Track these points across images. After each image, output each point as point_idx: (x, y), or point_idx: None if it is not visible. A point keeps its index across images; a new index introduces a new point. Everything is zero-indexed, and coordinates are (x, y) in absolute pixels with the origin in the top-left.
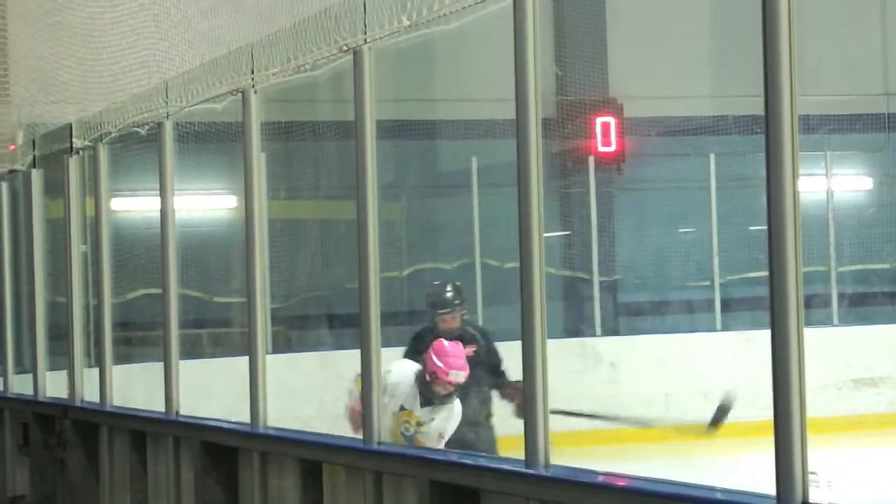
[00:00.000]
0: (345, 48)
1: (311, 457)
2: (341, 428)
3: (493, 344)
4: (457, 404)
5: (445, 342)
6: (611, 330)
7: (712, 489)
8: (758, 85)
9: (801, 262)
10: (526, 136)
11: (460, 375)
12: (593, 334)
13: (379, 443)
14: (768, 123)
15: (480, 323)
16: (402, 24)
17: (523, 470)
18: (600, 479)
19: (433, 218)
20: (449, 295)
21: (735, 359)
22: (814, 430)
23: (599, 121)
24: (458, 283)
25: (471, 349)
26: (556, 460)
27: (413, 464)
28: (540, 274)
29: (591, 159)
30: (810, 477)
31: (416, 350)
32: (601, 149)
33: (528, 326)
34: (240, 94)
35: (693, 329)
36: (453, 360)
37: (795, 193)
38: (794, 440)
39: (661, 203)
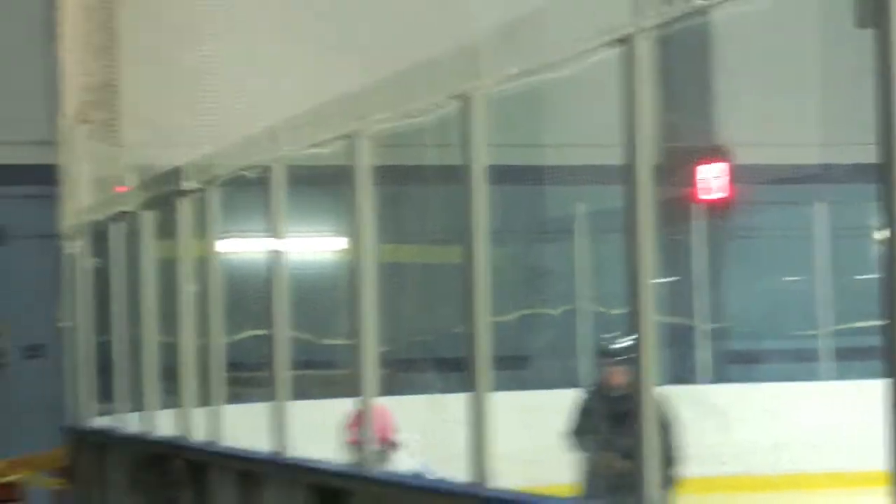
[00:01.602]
0: (454, 95)
1: (422, 501)
2: (449, 469)
3: (670, 426)
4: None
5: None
6: (719, 377)
7: None
8: (869, 132)
9: None
10: (636, 182)
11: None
12: (702, 381)
13: (488, 488)
14: (883, 171)
15: (586, 370)
16: (511, 72)
17: None
18: None
19: (540, 263)
20: (621, 344)
21: (846, 408)
22: None
23: (707, 168)
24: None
25: None
26: None
27: None
28: (650, 318)
29: (699, 206)
30: None
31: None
32: (709, 196)
33: (640, 372)
34: (348, 138)
35: (803, 378)
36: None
37: None
38: None
39: (769, 251)
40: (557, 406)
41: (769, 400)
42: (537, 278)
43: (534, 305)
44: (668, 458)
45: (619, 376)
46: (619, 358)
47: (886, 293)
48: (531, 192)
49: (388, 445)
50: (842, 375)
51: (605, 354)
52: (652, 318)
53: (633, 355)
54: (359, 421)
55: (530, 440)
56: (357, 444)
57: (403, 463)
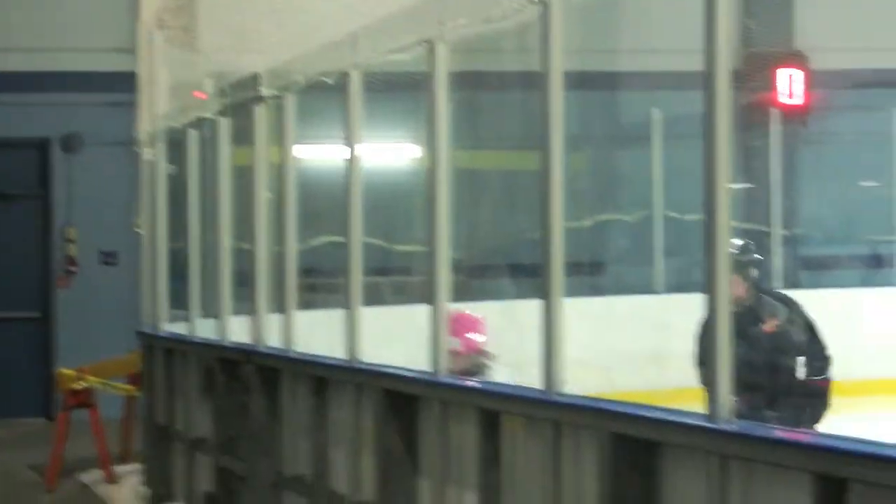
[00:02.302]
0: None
1: (490, 406)
2: (521, 376)
3: (809, 319)
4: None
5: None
6: (792, 284)
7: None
8: None
9: None
10: (714, 88)
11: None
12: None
13: (559, 394)
14: None
15: (661, 277)
16: None
17: (706, 424)
18: (782, 434)
19: (616, 169)
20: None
21: None
22: None
23: (785, 73)
24: (748, 241)
25: (770, 324)
26: None
27: (593, 415)
28: (725, 226)
29: (776, 112)
30: None
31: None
32: (786, 101)
33: (712, 278)
34: (427, 44)
35: (877, 284)
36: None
37: None
38: None
39: (846, 156)
40: (632, 312)
41: (841, 305)
42: (614, 183)
43: (609, 211)
44: (821, 359)
45: (735, 288)
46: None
47: None
48: (608, 97)
49: (482, 354)
50: None
51: None
52: (727, 224)
53: (747, 259)
54: (455, 329)
55: (605, 346)
56: (453, 353)
57: (498, 373)
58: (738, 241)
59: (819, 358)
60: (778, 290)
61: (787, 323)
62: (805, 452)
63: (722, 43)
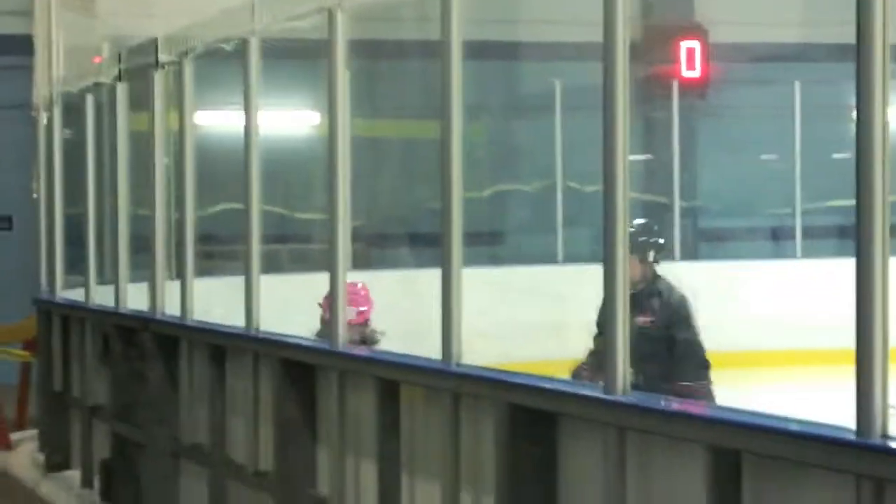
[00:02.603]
0: None
1: (389, 376)
2: (419, 346)
3: (690, 319)
4: None
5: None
6: (691, 255)
7: (789, 420)
8: (849, 11)
9: (889, 190)
10: (613, 59)
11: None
12: (672, 259)
13: (458, 364)
14: (860, 51)
15: (561, 247)
16: None
17: (602, 396)
18: (675, 406)
19: (515, 140)
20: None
21: (814, 286)
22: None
23: (685, 45)
24: (651, 221)
25: (644, 318)
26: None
27: (491, 386)
28: (623, 197)
29: (676, 84)
30: (890, 411)
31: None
32: (686, 74)
33: (610, 248)
34: (326, 12)
35: (775, 256)
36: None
37: (885, 122)
38: (875, 373)
39: (745, 130)
40: (531, 282)
41: (738, 277)
42: (514, 154)
43: (509, 182)
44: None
45: (631, 268)
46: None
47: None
48: (508, 67)
49: (364, 326)
50: (812, 254)
51: None
52: (626, 194)
53: (646, 240)
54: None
55: (504, 316)
56: (328, 323)
57: (381, 343)
58: (641, 221)
59: (699, 364)
60: (677, 291)
61: (663, 321)
62: (699, 425)
63: (621, 14)
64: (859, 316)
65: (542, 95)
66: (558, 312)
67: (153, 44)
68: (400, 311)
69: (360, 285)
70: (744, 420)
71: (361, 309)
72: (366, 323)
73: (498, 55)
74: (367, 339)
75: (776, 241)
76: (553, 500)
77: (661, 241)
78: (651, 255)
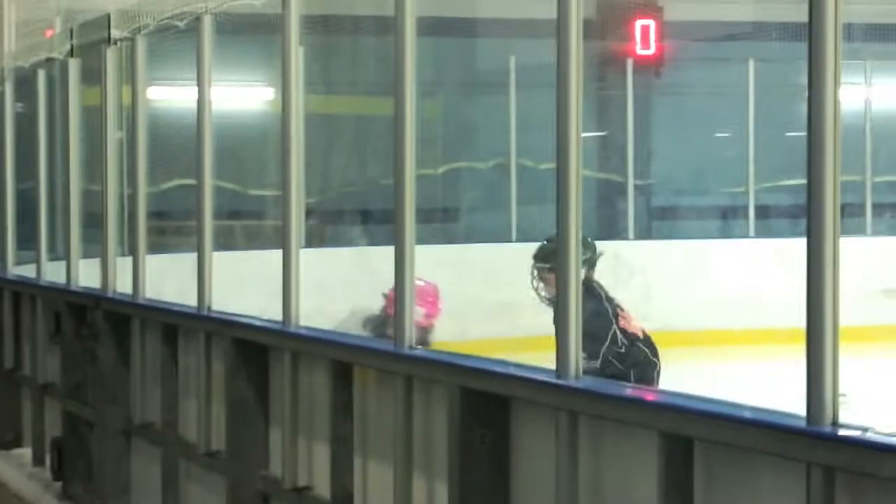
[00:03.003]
0: None
1: (342, 358)
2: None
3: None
4: None
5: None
6: (644, 234)
7: (741, 407)
8: None
9: (840, 170)
10: (566, 36)
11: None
12: (626, 237)
13: (410, 347)
14: (812, 30)
15: (515, 225)
16: None
17: (554, 380)
18: (629, 392)
19: (470, 117)
20: (547, 244)
21: (767, 266)
22: (843, 339)
23: (639, 23)
24: (587, 237)
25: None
26: None
27: (444, 370)
28: (577, 175)
29: (630, 62)
30: (840, 399)
31: None
32: (640, 52)
33: (563, 227)
34: None
35: (728, 235)
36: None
37: (836, 102)
38: (826, 361)
39: (699, 108)
40: (485, 260)
41: (692, 256)
42: (468, 131)
43: (464, 159)
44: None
45: (550, 284)
46: (546, 265)
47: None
48: (463, 44)
49: (427, 330)
50: (764, 233)
51: (535, 258)
52: (578, 172)
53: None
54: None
55: (458, 295)
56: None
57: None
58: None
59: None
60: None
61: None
62: (651, 411)
63: None
64: (810, 302)
65: (497, 72)
66: (512, 290)
67: (105, 19)
68: (353, 288)
69: (430, 287)
70: (696, 407)
71: (428, 312)
72: (430, 327)
73: (454, 32)
74: (424, 342)
75: (729, 219)
76: (505, 484)
77: (596, 255)
78: (582, 271)
